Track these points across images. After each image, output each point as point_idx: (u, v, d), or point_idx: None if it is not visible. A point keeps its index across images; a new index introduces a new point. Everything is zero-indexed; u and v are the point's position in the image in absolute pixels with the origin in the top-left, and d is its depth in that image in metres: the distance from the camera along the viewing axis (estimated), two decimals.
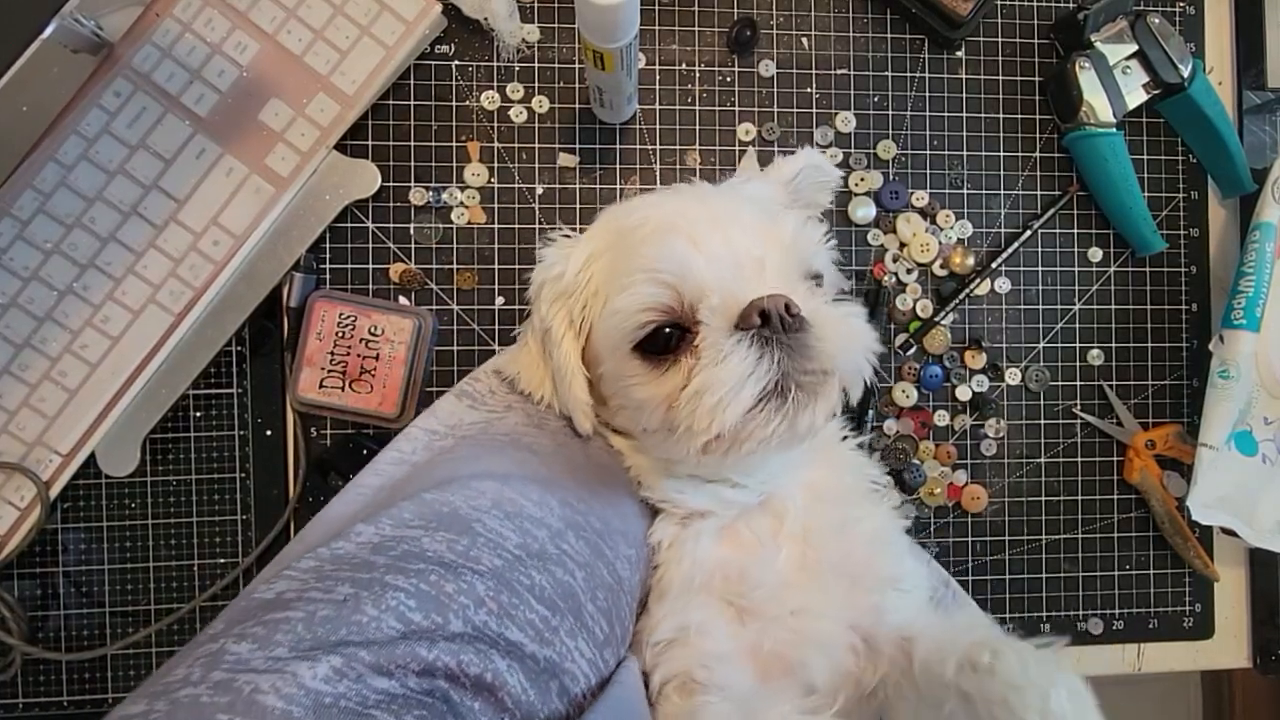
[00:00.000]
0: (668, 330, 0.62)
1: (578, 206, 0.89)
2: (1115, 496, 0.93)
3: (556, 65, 0.88)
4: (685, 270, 0.61)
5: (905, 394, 0.90)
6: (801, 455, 0.72)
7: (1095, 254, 0.93)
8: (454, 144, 0.88)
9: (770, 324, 0.58)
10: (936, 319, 0.90)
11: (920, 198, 0.91)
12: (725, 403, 0.58)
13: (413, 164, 0.87)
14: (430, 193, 0.87)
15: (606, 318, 0.64)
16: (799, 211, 0.70)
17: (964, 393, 0.91)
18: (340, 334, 0.82)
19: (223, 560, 0.84)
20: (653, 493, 0.72)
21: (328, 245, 0.85)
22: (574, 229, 0.80)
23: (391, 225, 0.87)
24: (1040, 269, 0.92)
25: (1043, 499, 0.92)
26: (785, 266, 0.63)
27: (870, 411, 0.90)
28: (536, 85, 0.88)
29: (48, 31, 0.73)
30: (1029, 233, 0.91)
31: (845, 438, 0.77)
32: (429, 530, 0.56)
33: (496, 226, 0.88)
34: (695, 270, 0.61)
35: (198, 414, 0.84)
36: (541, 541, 0.60)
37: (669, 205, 0.66)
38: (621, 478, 0.73)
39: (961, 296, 0.90)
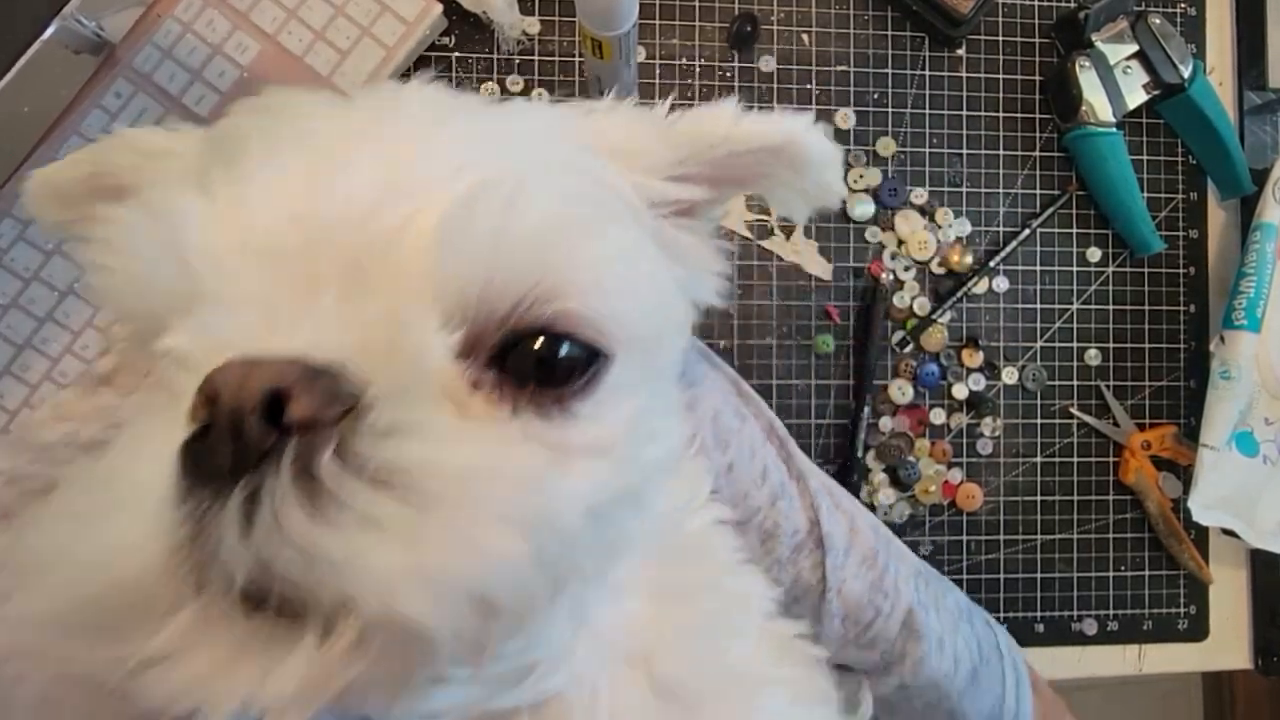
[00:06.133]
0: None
1: None
2: (1111, 497, 0.93)
3: (556, 58, 0.88)
4: (158, 245, 0.30)
5: (901, 391, 0.90)
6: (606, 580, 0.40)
7: (1094, 254, 0.93)
8: None
9: (236, 433, 0.26)
10: (934, 317, 0.90)
11: (919, 195, 0.91)
12: (67, 562, 0.27)
13: None
14: None
15: None
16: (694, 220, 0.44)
17: (960, 391, 0.91)
18: None
19: None
20: None
21: None
22: None
23: None
24: (1039, 268, 0.92)
25: (1038, 498, 0.92)
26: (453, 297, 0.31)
27: (859, 446, 0.90)
28: (536, 77, 0.88)
29: (49, 32, 0.73)
30: (1027, 232, 0.91)
31: (714, 492, 0.50)
32: None
33: None
34: (177, 250, 0.30)
35: None
36: None
37: (286, 114, 0.35)
38: None
39: (959, 295, 0.90)
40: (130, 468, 0.27)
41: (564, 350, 0.33)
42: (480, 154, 0.33)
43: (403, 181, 0.30)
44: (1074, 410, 0.92)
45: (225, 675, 0.25)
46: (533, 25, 0.88)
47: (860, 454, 0.89)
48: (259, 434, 0.25)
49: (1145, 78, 0.90)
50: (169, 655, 0.25)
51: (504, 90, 0.88)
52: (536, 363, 0.32)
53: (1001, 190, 0.92)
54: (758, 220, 0.89)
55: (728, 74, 0.90)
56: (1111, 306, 0.93)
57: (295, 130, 0.32)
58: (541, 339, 0.32)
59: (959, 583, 0.90)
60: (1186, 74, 0.89)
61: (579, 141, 0.40)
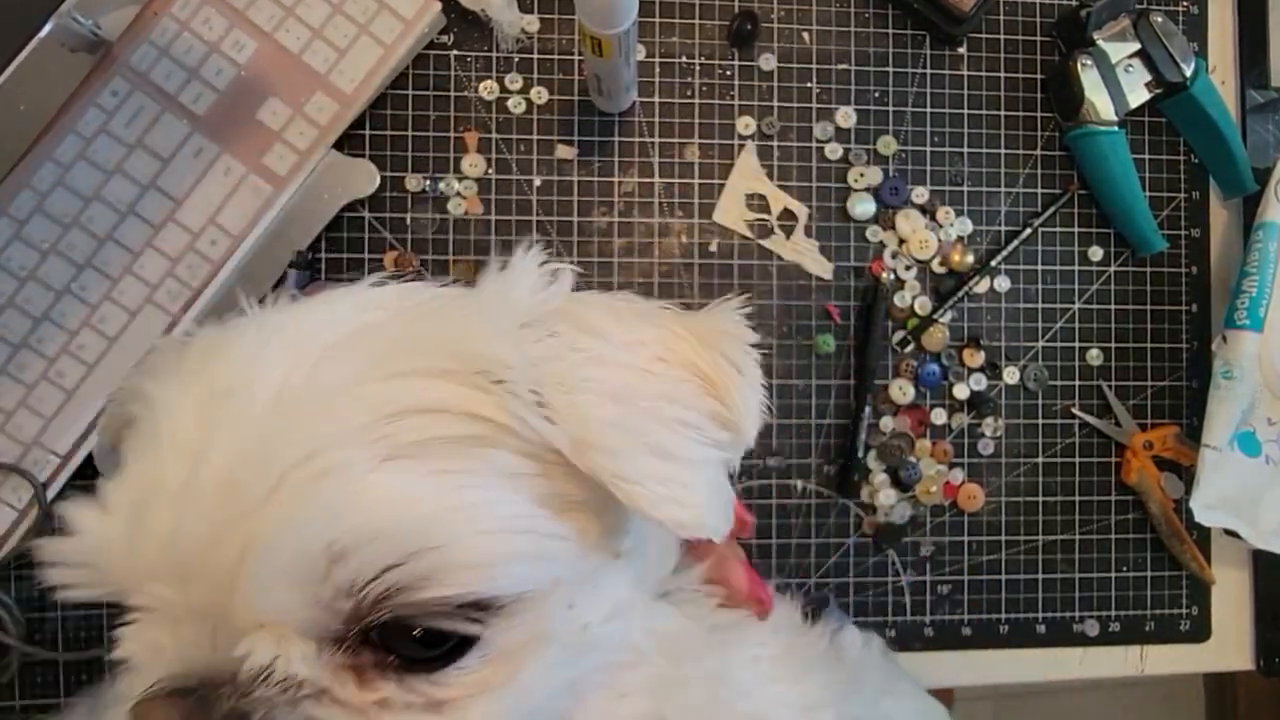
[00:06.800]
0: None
1: (575, 199, 0.88)
2: (1113, 497, 0.93)
3: (556, 56, 0.88)
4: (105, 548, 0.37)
5: (902, 391, 0.90)
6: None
7: (1095, 253, 0.92)
8: (452, 134, 0.87)
9: None
10: (935, 316, 0.90)
11: (920, 194, 0.90)
12: None
13: (410, 154, 0.87)
14: (427, 181, 0.87)
15: None
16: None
17: (962, 391, 0.90)
18: None
19: None
20: None
21: (323, 236, 0.85)
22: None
23: (388, 215, 0.86)
24: (1040, 268, 0.92)
25: (1039, 499, 0.92)
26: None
27: (860, 446, 0.89)
28: (535, 76, 0.88)
29: (45, 30, 0.72)
30: (1029, 231, 0.90)
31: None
32: None
33: (493, 218, 0.87)
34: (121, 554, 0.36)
35: None
36: None
37: (176, 389, 0.38)
38: None
39: (960, 294, 0.90)
40: None
41: (434, 632, 0.35)
42: (324, 430, 0.34)
43: (239, 504, 0.33)
44: (1075, 410, 0.92)
45: None
46: (532, 23, 0.87)
47: (861, 454, 0.88)
48: None
49: (1147, 76, 0.89)
50: None
51: (503, 89, 0.87)
52: (410, 643, 0.35)
53: (1003, 189, 0.92)
54: (758, 220, 0.89)
55: (728, 72, 0.89)
56: (1113, 306, 0.93)
57: (158, 432, 0.36)
58: (417, 630, 0.35)
59: (960, 584, 0.90)
60: (1188, 72, 0.88)
61: (446, 361, 0.38)
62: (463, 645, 0.35)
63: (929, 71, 0.92)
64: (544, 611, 0.38)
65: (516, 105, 0.88)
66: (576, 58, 0.88)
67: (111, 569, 0.36)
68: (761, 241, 0.89)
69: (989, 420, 0.91)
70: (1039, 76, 0.93)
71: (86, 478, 0.82)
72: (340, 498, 0.33)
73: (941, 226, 0.90)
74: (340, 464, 0.33)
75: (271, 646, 0.33)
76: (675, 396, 0.41)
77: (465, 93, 0.87)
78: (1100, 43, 0.88)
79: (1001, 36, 0.92)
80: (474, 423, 0.36)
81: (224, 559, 0.33)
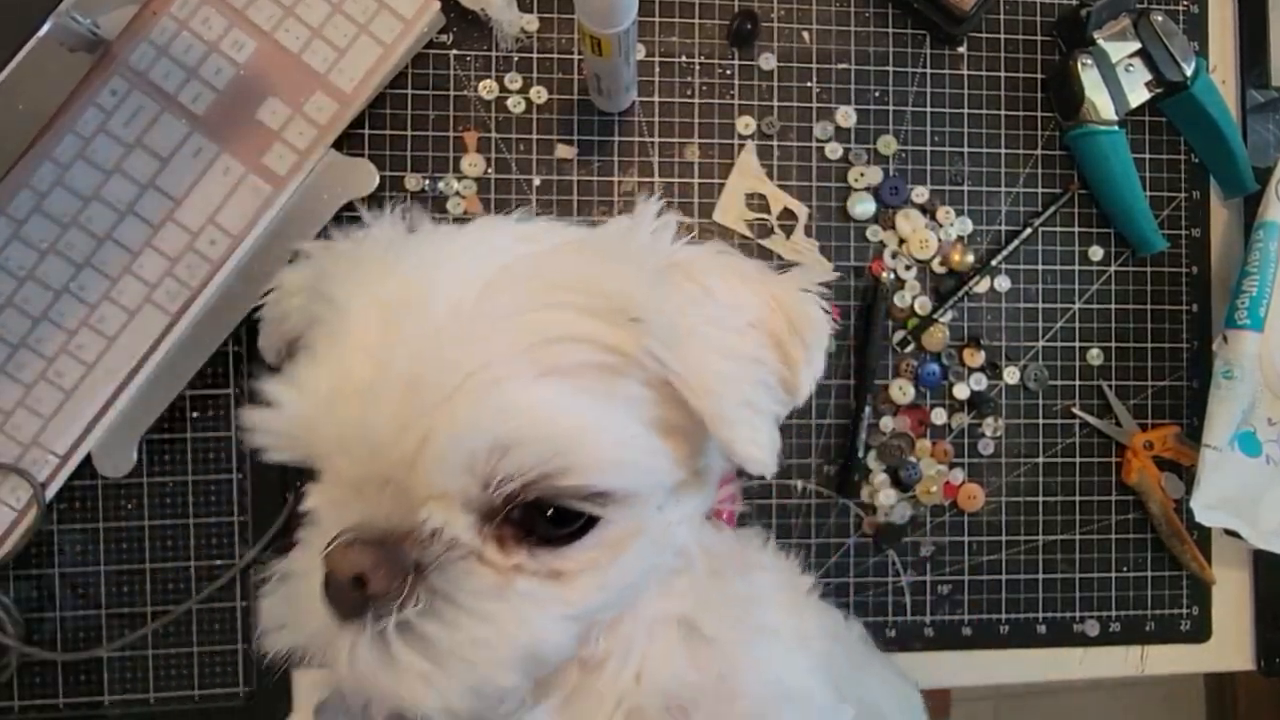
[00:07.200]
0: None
1: (575, 198, 0.88)
2: (1113, 497, 0.92)
3: (555, 56, 0.88)
4: (307, 421, 0.44)
5: (902, 391, 0.89)
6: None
7: (1096, 253, 0.92)
8: (451, 134, 0.87)
9: (341, 593, 0.43)
10: (935, 316, 0.89)
11: (920, 194, 0.90)
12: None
13: (409, 154, 0.87)
14: (426, 181, 0.87)
15: None
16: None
17: (962, 391, 0.90)
18: None
19: (220, 561, 0.84)
20: None
21: (322, 236, 0.85)
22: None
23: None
24: (1040, 267, 0.92)
25: (1040, 499, 0.92)
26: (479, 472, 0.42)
27: (860, 446, 0.89)
28: (535, 76, 0.88)
29: (44, 29, 0.72)
30: (1029, 230, 0.90)
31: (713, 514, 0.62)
32: None
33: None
34: (317, 427, 0.44)
35: (195, 414, 0.84)
36: None
37: (363, 295, 0.45)
38: None
39: (960, 294, 0.90)
40: (302, 577, 0.45)
41: (563, 513, 0.44)
42: (490, 355, 0.42)
43: (421, 399, 0.41)
44: (1076, 410, 0.92)
45: (371, 685, 0.42)
46: (531, 23, 0.87)
47: (861, 454, 0.88)
48: (352, 600, 0.42)
49: (1147, 76, 0.89)
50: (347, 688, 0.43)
51: (503, 88, 0.87)
52: (544, 522, 0.44)
53: (1003, 189, 0.92)
54: (757, 219, 0.89)
55: (728, 72, 0.89)
56: (1114, 306, 0.93)
57: (347, 333, 0.44)
58: (551, 510, 0.44)
59: (960, 584, 0.90)
60: (1189, 72, 0.88)
61: (596, 297, 0.46)
62: (583, 529, 0.45)
63: (929, 71, 0.92)
64: (643, 510, 0.48)
65: (516, 105, 0.88)
66: (576, 57, 0.88)
67: (306, 441, 0.44)
68: (761, 241, 0.89)
69: (989, 420, 0.91)
70: (1039, 76, 0.93)
71: (86, 478, 0.82)
72: (507, 403, 0.41)
73: (941, 226, 0.90)
74: (507, 376, 0.41)
75: (442, 515, 0.42)
76: (761, 360, 0.51)
77: (465, 92, 0.87)
78: (1100, 42, 0.88)
79: (1001, 36, 0.92)
80: (611, 354, 0.45)
81: (407, 444, 0.41)
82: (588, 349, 0.44)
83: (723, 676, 0.53)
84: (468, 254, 0.46)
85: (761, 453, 0.48)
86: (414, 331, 0.42)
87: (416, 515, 0.42)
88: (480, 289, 0.43)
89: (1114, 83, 0.88)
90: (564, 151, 0.88)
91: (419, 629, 0.42)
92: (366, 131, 0.86)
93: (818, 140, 0.90)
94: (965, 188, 0.91)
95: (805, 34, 0.91)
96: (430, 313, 0.42)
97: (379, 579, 0.41)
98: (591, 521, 0.45)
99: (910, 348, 0.90)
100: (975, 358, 0.90)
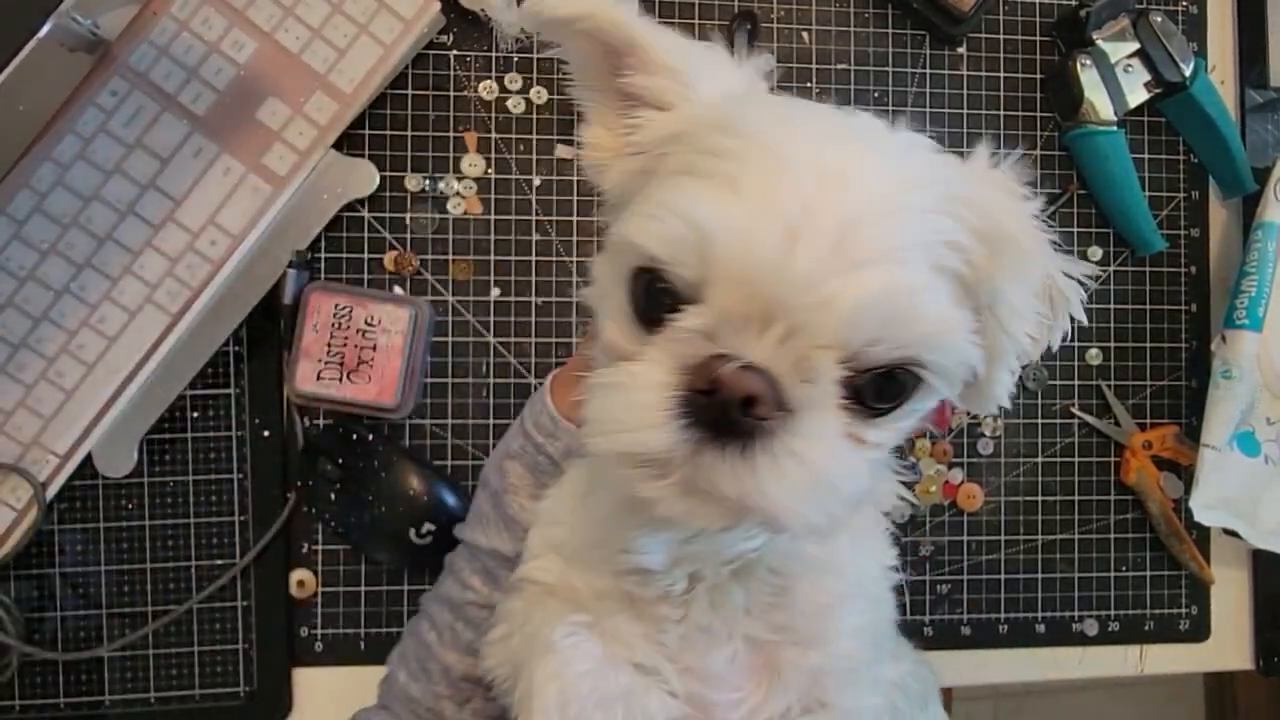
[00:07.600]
0: (665, 289, 0.48)
1: (575, 198, 0.88)
2: (1112, 497, 0.93)
3: (555, 56, 0.88)
4: (732, 250, 0.45)
5: None
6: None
7: (1095, 252, 0.92)
8: (451, 134, 0.87)
9: (715, 407, 0.44)
10: None
11: None
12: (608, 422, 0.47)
13: (409, 154, 0.87)
14: (426, 181, 0.87)
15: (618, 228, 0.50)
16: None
17: None
18: (336, 325, 0.81)
19: (220, 561, 0.84)
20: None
21: (323, 236, 0.85)
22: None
23: (387, 215, 0.86)
24: None
25: (1039, 499, 0.92)
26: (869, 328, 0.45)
27: None
28: (535, 76, 0.88)
29: (44, 30, 0.72)
30: None
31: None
32: None
33: (493, 218, 0.87)
34: (743, 260, 0.44)
35: (195, 414, 0.84)
36: None
37: (798, 149, 0.47)
38: None
39: None
40: (639, 386, 0.46)
41: (895, 387, 0.48)
42: (902, 240, 0.46)
43: (843, 260, 0.43)
44: (1075, 410, 0.92)
45: (692, 513, 0.46)
46: None
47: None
48: (738, 418, 0.43)
49: (1146, 76, 0.89)
50: (665, 496, 0.46)
51: (503, 89, 0.87)
52: (875, 394, 0.47)
53: None
54: None
55: None
56: (1113, 306, 0.93)
57: (784, 164, 0.45)
58: (891, 376, 0.47)
59: (959, 584, 0.90)
60: (1188, 72, 0.88)
61: (972, 215, 0.50)
62: (892, 409, 0.49)
63: (929, 71, 0.92)
64: (901, 430, 0.52)
65: (516, 105, 0.88)
66: None
67: (708, 261, 0.45)
68: None
69: (988, 420, 0.91)
70: (1039, 76, 0.93)
71: (86, 478, 0.82)
72: (909, 285, 0.45)
73: None
74: (910, 262, 0.45)
75: (826, 365, 0.45)
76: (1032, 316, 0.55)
77: (465, 92, 0.87)
78: (1100, 42, 0.88)
79: (1001, 36, 0.92)
80: (971, 269, 0.49)
81: (820, 294, 0.43)
82: (959, 259, 0.48)
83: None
84: (889, 146, 0.50)
85: (1004, 396, 0.55)
86: (847, 198, 0.45)
87: (806, 359, 0.45)
88: (899, 183, 0.47)
89: (1113, 83, 0.88)
90: (564, 152, 0.88)
91: (792, 451, 0.45)
92: (366, 131, 0.86)
93: None
94: None
95: (805, 34, 0.91)
96: (855, 192, 0.45)
97: (766, 405, 0.44)
98: (900, 405, 0.49)
99: None
100: None
